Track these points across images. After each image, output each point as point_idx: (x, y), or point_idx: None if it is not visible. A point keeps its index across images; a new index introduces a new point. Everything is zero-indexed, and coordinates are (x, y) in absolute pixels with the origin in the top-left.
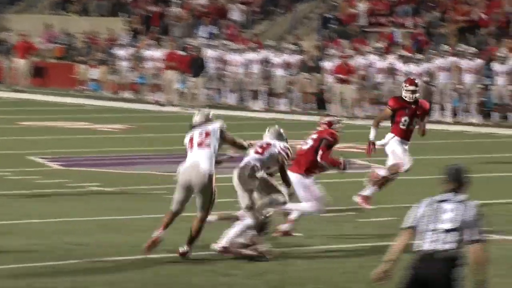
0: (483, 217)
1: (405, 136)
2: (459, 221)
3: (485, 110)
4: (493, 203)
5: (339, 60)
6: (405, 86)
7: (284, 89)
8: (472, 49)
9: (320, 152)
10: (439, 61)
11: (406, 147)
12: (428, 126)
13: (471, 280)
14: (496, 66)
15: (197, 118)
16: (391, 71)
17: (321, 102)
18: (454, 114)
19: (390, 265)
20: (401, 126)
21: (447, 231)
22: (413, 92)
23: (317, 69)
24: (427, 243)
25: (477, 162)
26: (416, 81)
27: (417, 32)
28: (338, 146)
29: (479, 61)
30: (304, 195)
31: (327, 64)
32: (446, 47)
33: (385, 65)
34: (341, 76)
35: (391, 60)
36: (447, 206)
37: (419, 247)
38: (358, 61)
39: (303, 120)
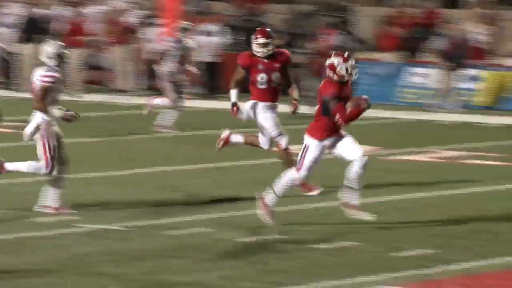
0: None
1: (267, 98)
2: None
3: None
4: None
5: None
6: (255, 39)
7: None
8: None
9: None
10: None
11: (276, 112)
12: None
13: None
14: None
15: None
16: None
17: None
18: None
19: None
20: (259, 87)
21: None
22: (265, 45)
23: None
24: None
25: None
26: (269, 32)
27: None
28: None
29: None
30: None
31: None
32: None
33: None
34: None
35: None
36: None
37: None
38: None
39: None
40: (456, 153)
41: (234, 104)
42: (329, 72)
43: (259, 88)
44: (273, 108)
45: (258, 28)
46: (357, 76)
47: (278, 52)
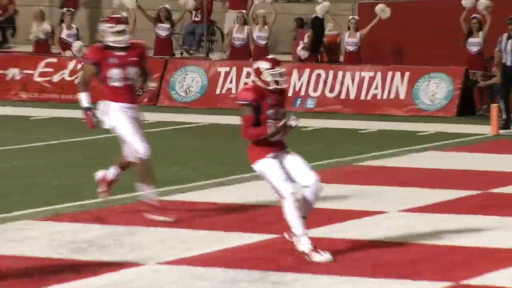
0: None
1: (123, 98)
2: None
3: None
4: None
5: None
6: (109, 27)
7: None
8: None
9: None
10: None
11: (135, 114)
12: None
13: None
14: None
15: None
16: None
17: None
18: None
19: None
20: (112, 84)
21: None
22: (121, 33)
23: None
24: None
25: None
26: (121, 18)
27: None
28: None
29: None
30: None
31: None
32: None
33: None
34: None
35: None
36: None
37: None
38: None
39: None
40: None
41: (87, 109)
42: (254, 77)
43: (112, 86)
44: (130, 110)
45: (109, 16)
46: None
47: (134, 43)
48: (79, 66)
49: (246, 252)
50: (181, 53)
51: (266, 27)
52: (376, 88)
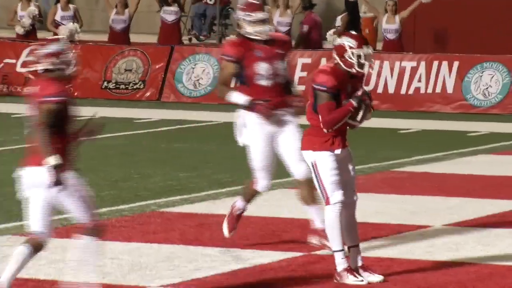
0: None
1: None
2: None
3: None
4: None
5: None
6: (247, 15)
7: None
8: None
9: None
10: None
11: (284, 118)
12: None
13: None
14: None
15: None
16: None
17: None
18: None
19: None
20: (259, 83)
21: None
22: (262, 22)
23: None
24: None
25: None
26: (259, 4)
27: None
28: None
29: None
30: None
31: None
32: None
33: None
34: None
35: None
36: None
37: None
38: None
39: None
40: None
41: (253, 102)
42: (335, 56)
43: (259, 85)
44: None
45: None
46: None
47: (274, 35)
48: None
49: (265, 273)
50: (190, 40)
51: (288, 11)
52: (419, 80)
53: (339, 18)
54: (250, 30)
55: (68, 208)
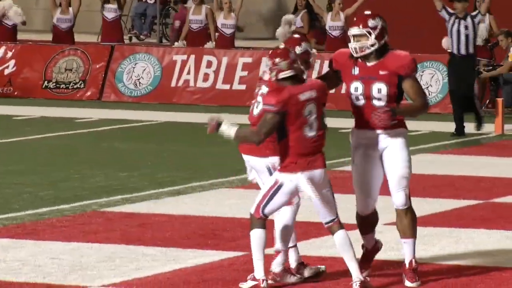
0: None
1: (363, 121)
2: None
3: None
4: None
5: None
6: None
7: None
8: None
9: None
10: None
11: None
12: None
13: None
14: None
15: None
16: None
17: None
18: None
19: None
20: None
21: None
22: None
23: None
24: None
25: None
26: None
27: None
28: None
29: None
30: None
31: None
32: None
33: None
34: None
35: None
36: None
37: None
38: None
39: None
40: None
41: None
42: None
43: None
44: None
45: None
46: None
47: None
48: (9, 53)
49: (205, 273)
50: (130, 39)
51: (232, 14)
52: None
53: (298, 18)
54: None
55: None
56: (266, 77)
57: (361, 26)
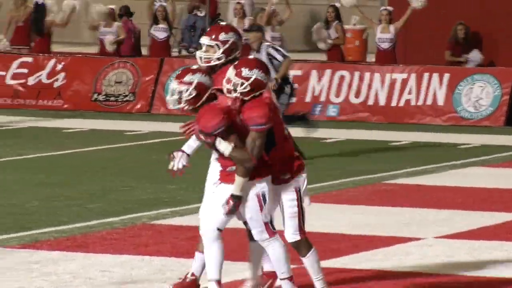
0: None
1: None
2: None
3: None
4: None
5: None
6: None
7: None
8: None
9: None
10: None
11: None
12: None
13: None
14: None
15: None
16: None
17: None
18: None
19: None
20: None
21: None
22: None
23: None
24: None
25: None
26: None
27: None
28: None
29: None
30: None
31: None
32: None
33: None
34: None
35: None
36: None
37: None
38: None
39: None
40: None
41: None
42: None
43: None
44: None
45: None
46: None
47: None
48: (59, 66)
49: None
50: (179, 52)
51: (277, 26)
52: (409, 93)
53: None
54: None
55: None
56: None
57: (212, 37)
